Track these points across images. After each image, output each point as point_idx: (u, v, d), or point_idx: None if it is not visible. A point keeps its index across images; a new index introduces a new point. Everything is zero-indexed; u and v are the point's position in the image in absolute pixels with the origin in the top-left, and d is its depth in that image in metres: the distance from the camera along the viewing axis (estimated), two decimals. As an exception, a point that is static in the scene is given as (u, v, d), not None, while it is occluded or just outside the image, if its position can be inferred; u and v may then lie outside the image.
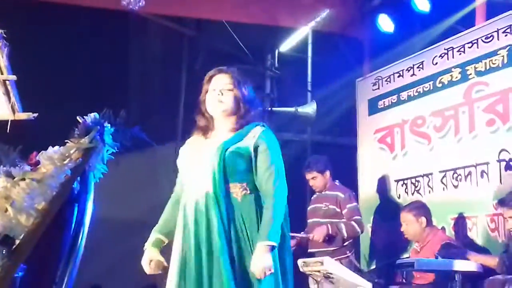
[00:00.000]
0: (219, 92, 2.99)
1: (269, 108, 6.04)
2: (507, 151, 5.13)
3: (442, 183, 5.77)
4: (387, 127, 6.57)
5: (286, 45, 8.09)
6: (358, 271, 5.36)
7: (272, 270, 2.75)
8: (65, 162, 2.55)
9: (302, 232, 5.60)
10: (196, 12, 7.05)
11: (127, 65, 7.47)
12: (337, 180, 5.71)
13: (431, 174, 5.91)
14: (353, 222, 5.46)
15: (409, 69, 6.33)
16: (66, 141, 2.64)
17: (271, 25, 7.39)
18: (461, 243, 5.11)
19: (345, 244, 5.50)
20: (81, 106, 2.98)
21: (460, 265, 4.48)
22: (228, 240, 2.81)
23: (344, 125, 7.38)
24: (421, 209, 5.21)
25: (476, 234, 5.31)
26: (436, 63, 5.98)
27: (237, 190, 2.88)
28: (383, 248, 6.31)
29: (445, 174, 5.74)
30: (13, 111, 2.98)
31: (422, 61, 6.17)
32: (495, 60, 5.32)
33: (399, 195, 6.29)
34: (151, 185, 6.70)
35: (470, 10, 6.03)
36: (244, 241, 2.83)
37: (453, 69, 5.76)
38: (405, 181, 6.23)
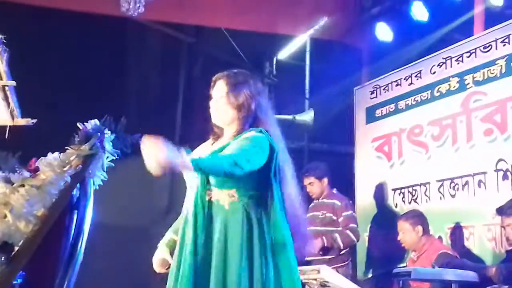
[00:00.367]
0: (216, 100, 2.98)
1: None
2: (504, 161, 5.14)
3: (439, 192, 5.77)
4: (385, 135, 6.57)
5: (284, 53, 8.11)
6: (355, 279, 5.35)
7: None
8: (65, 169, 2.54)
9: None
10: (195, 19, 7.05)
11: (126, 72, 7.46)
12: (335, 189, 5.72)
13: (428, 183, 5.91)
14: (348, 231, 5.47)
15: (407, 78, 6.33)
16: (66, 147, 2.63)
17: (269, 33, 7.39)
18: (458, 253, 5.10)
19: (342, 252, 5.51)
20: (80, 112, 2.97)
21: (456, 275, 4.47)
22: (209, 253, 2.76)
23: (342, 133, 7.37)
24: (418, 218, 5.21)
25: (473, 243, 5.32)
26: (434, 72, 5.99)
27: (224, 197, 2.84)
28: (380, 256, 6.31)
29: (443, 183, 5.74)
30: (12, 117, 2.96)
31: (420, 70, 6.17)
32: (493, 69, 5.33)
33: (396, 204, 6.29)
34: (150, 192, 6.69)
35: (469, 19, 6.04)
36: (220, 251, 2.76)
37: (451, 78, 5.77)
38: (402, 190, 6.23)
